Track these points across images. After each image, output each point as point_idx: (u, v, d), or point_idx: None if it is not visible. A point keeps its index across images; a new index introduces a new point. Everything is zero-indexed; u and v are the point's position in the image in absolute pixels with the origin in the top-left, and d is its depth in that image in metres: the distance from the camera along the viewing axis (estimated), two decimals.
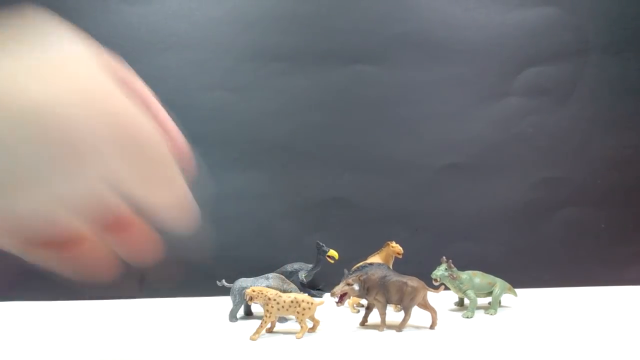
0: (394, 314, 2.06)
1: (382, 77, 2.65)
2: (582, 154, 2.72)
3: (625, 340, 1.72)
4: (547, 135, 2.70)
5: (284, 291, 2.01)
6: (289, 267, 2.44)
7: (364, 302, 2.15)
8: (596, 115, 2.72)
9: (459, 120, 2.68)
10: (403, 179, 2.67)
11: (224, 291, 2.17)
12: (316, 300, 1.87)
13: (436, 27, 2.66)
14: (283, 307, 1.82)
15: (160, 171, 0.62)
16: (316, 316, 1.90)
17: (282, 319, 2.00)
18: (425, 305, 1.92)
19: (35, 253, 0.64)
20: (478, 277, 2.18)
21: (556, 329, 1.89)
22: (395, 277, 1.91)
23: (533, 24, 2.68)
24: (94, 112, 0.55)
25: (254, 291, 1.83)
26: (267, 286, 2.00)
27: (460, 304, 2.28)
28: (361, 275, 1.92)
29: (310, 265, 2.44)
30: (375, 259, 2.29)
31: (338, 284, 1.92)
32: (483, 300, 2.26)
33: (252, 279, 2.08)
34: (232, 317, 2.06)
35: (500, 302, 2.22)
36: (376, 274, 1.93)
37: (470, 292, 2.13)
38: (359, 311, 2.18)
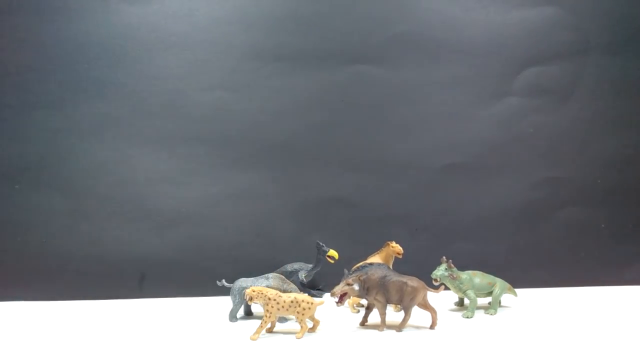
0: (394, 314, 2.06)
1: (382, 77, 2.65)
2: (582, 154, 2.72)
3: (625, 340, 1.72)
4: (547, 135, 2.70)
5: (284, 291, 2.01)
6: (289, 267, 2.44)
7: (364, 302, 2.15)
8: (596, 115, 2.72)
9: (459, 120, 2.68)
10: (403, 179, 2.67)
11: (224, 291, 2.17)
12: (316, 300, 1.87)
13: (436, 27, 2.66)
14: (283, 307, 1.82)
15: None
16: (316, 316, 1.90)
17: (282, 319, 2.00)
18: (425, 305, 1.92)
19: None
20: (478, 277, 2.18)
21: (556, 329, 1.89)
22: (395, 277, 1.91)
23: (533, 24, 2.68)
24: None
25: (254, 291, 1.83)
26: (267, 286, 2.00)
27: (460, 304, 2.28)
28: (361, 275, 1.92)
29: (310, 265, 2.44)
30: (375, 259, 2.29)
31: (338, 284, 1.92)
32: (483, 300, 2.26)
33: (252, 279, 2.08)
34: (232, 317, 2.06)
35: (500, 302, 2.22)
36: (376, 274, 1.93)
37: (470, 292, 2.13)
38: (359, 311, 2.18)
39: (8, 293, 2.42)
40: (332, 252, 2.36)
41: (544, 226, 2.70)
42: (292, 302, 1.82)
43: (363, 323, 1.98)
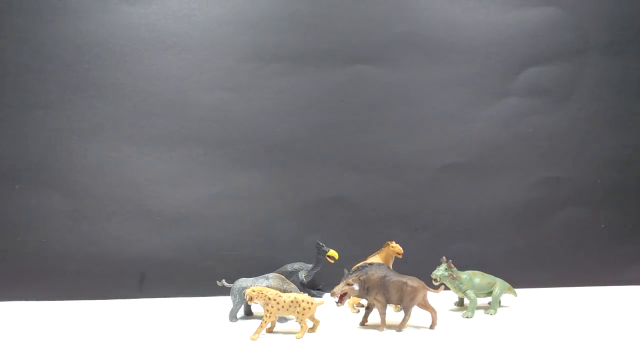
0: (394, 314, 2.06)
1: (382, 77, 2.65)
2: (582, 154, 2.72)
3: (625, 340, 1.72)
4: (547, 135, 2.71)
5: (284, 291, 2.01)
6: (289, 267, 2.44)
7: (364, 302, 2.15)
8: (596, 115, 2.72)
9: (459, 120, 2.68)
10: (403, 179, 2.67)
11: (224, 291, 2.17)
12: (316, 300, 1.87)
13: (436, 27, 2.66)
14: (283, 307, 1.82)
15: None
16: (316, 316, 1.90)
17: (282, 319, 2.00)
18: (425, 305, 1.92)
19: None
20: (478, 277, 2.18)
21: (556, 329, 1.89)
22: (395, 277, 1.91)
23: (533, 24, 2.68)
24: None
25: (254, 291, 1.83)
26: (267, 286, 2.00)
27: (460, 304, 2.28)
28: (361, 275, 1.92)
29: (310, 265, 2.44)
30: (375, 259, 2.29)
31: (338, 284, 1.92)
32: (483, 300, 2.26)
33: (252, 279, 2.08)
34: (232, 317, 2.06)
35: (500, 302, 2.22)
36: (376, 274, 1.93)
37: (470, 292, 2.13)
38: (359, 311, 2.18)
39: (8, 293, 2.42)
40: (332, 252, 2.36)
41: (543, 226, 2.70)
42: (292, 302, 1.82)
43: (363, 323, 1.98)
